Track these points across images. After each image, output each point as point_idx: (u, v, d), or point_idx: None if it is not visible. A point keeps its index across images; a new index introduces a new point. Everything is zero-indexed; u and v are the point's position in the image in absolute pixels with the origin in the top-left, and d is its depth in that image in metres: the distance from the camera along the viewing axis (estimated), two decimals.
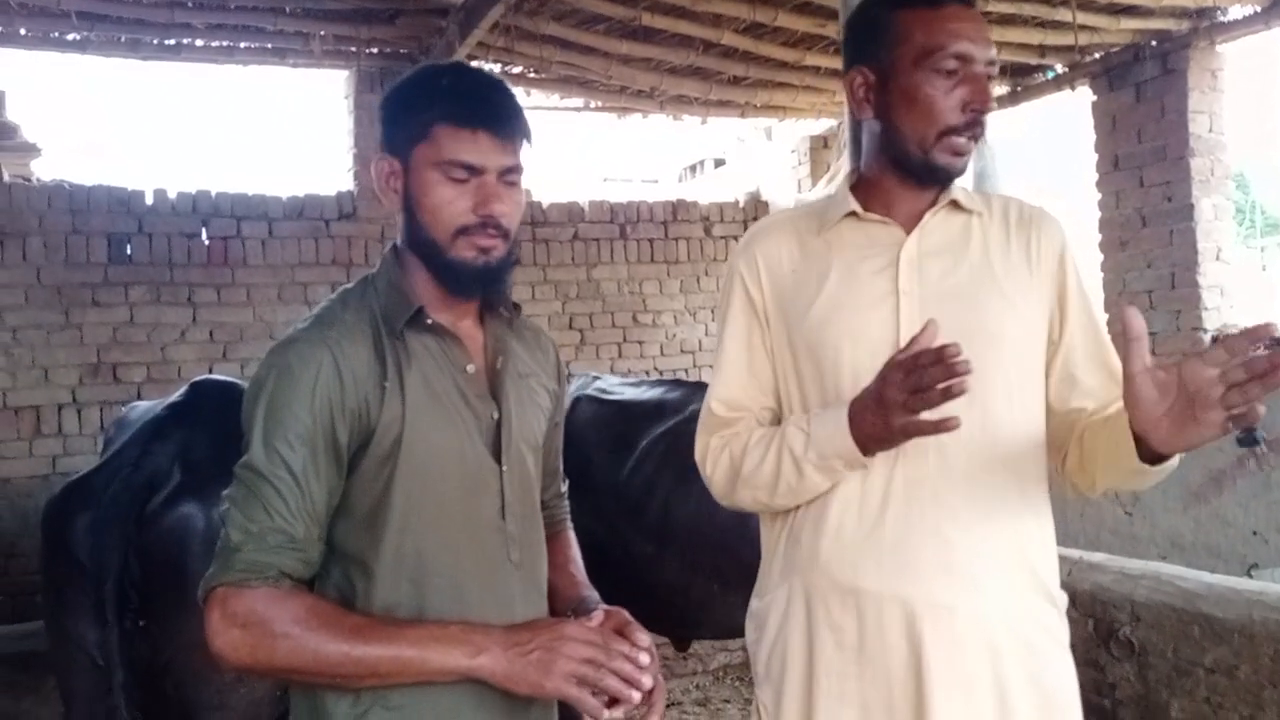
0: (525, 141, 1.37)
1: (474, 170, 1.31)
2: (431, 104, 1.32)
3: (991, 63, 1.47)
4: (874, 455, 1.42)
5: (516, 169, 1.35)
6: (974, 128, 1.47)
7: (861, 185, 1.60)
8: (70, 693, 2.37)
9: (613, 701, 1.24)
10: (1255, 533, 4.92)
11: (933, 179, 1.52)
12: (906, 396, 1.30)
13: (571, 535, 1.66)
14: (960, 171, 1.50)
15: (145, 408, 2.72)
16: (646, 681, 1.23)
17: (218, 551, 1.24)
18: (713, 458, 1.61)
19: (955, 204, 1.56)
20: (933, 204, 1.55)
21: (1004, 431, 1.48)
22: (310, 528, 1.25)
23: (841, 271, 1.55)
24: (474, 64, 5.28)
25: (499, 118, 1.33)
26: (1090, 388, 1.54)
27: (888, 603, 1.46)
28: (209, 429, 2.38)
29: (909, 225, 1.55)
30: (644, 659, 1.25)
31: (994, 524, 1.46)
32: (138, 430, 2.45)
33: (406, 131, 1.33)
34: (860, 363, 1.49)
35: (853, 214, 1.57)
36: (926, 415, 1.31)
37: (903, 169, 1.53)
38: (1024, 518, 1.49)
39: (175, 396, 2.58)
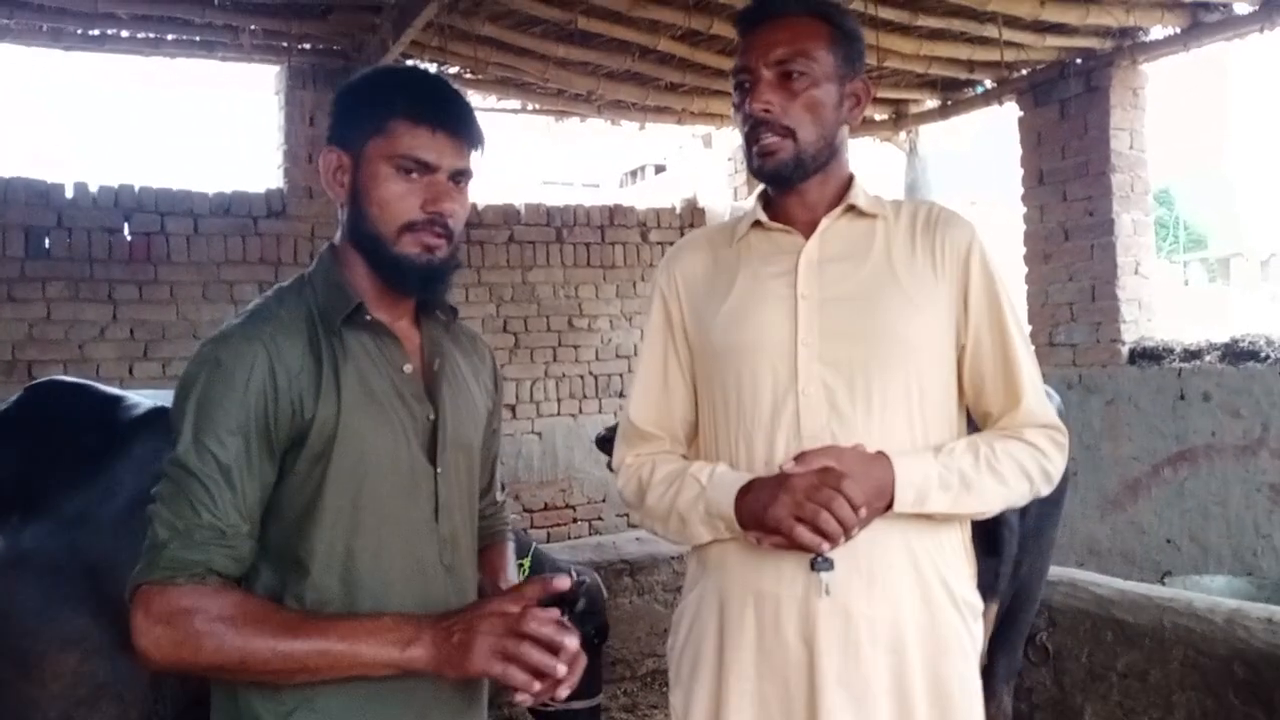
0: (478, 149, 1.38)
1: (427, 168, 1.32)
2: (391, 99, 1.33)
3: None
4: (749, 531, 1.47)
5: (467, 173, 1.37)
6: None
7: (772, 197, 1.63)
8: None
9: (540, 675, 1.19)
10: (1169, 540, 5.06)
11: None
12: (791, 515, 1.38)
13: (509, 547, 1.64)
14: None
15: None
16: (571, 644, 1.18)
17: (144, 550, 1.21)
18: (626, 475, 1.67)
19: (856, 209, 1.59)
20: (829, 210, 1.58)
21: (903, 434, 1.50)
22: (240, 524, 1.23)
23: (746, 279, 1.60)
24: (409, 63, 5.23)
25: (457, 119, 1.35)
26: (993, 393, 1.57)
27: (785, 603, 1.49)
28: (40, 441, 2.13)
29: (811, 232, 1.57)
30: (569, 642, 1.18)
31: (897, 528, 1.48)
32: None
33: (361, 125, 1.34)
34: (760, 367, 1.53)
35: (759, 223, 1.61)
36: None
37: None
38: (927, 522, 1.51)
39: (7, 404, 2.26)
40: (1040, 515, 2.84)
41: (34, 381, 2.37)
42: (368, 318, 1.34)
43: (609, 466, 3.94)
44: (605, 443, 4.00)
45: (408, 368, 1.36)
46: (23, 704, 2.02)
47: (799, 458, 1.43)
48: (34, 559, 1.98)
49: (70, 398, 2.29)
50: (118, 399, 2.23)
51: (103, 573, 1.91)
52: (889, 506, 1.44)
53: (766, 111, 1.51)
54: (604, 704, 4.23)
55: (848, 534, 1.38)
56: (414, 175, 1.32)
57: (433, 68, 5.40)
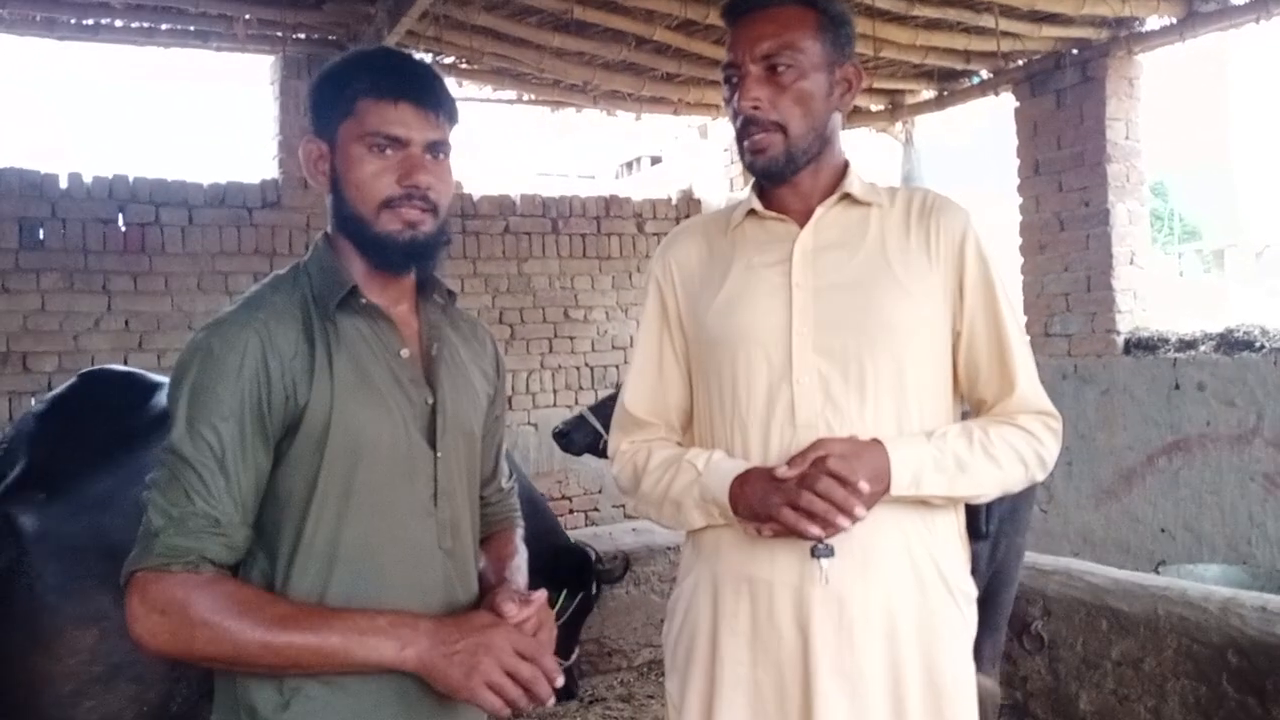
0: (450, 121, 1.37)
1: (398, 143, 1.32)
2: (355, 80, 1.34)
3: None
4: (744, 519, 1.47)
5: (443, 144, 1.36)
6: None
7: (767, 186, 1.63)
8: None
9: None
10: (1163, 530, 5.08)
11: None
12: (784, 503, 1.39)
13: (518, 534, 1.63)
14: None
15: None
16: (551, 703, 1.26)
17: (140, 535, 1.22)
18: (621, 461, 1.68)
19: (850, 197, 1.58)
20: (824, 198, 1.58)
21: (897, 422, 1.50)
22: (234, 512, 1.23)
23: (741, 268, 1.60)
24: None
25: (421, 89, 1.34)
26: (988, 380, 1.57)
27: (779, 590, 1.49)
28: (77, 425, 2.21)
29: (806, 220, 1.57)
30: (559, 679, 1.27)
31: (891, 515, 1.48)
32: (15, 423, 2.30)
33: (332, 111, 1.34)
34: (755, 356, 1.53)
35: (754, 212, 1.61)
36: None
37: None
38: (920, 509, 1.51)
39: (60, 389, 2.38)
40: (1016, 496, 2.85)
41: (88, 369, 2.45)
42: (362, 301, 1.34)
43: (563, 447, 3.97)
44: (562, 436, 3.97)
45: (405, 352, 1.36)
46: (36, 677, 2.04)
47: (791, 462, 1.43)
48: (55, 537, 2.01)
49: (112, 385, 2.34)
50: (158, 386, 2.26)
51: (125, 556, 1.93)
52: (886, 490, 1.44)
53: (755, 109, 1.51)
54: (601, 694, 4.26)
55: (851, 517, 1.37)
56: (387, 152, 1.32)
57: (428, 57, 5.38)
